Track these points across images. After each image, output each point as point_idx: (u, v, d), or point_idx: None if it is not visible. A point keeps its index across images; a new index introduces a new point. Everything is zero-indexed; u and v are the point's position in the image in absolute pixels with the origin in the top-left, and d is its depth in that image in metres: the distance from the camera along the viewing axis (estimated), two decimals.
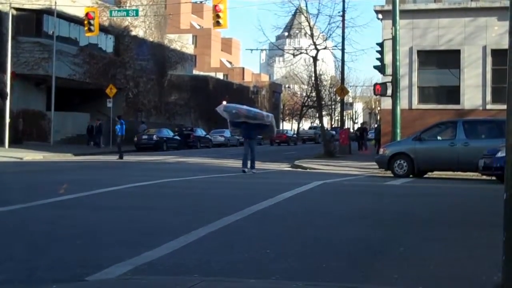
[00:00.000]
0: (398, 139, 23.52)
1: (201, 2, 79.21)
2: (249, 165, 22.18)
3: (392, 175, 21.22)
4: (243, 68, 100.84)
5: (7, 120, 37.43)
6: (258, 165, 26.34)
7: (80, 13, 40.45)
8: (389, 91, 24.14)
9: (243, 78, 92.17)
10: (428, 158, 20.97)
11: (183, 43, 68.35)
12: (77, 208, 11.16)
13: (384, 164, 21.86)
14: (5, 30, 39.76)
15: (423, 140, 21.26)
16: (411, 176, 21.01)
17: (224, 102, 29.59)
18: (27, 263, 6.49)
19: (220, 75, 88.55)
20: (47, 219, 9.69)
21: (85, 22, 31.52)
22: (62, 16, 45.46)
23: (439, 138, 21.48)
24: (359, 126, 48.61)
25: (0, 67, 38.96)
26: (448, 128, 21.81)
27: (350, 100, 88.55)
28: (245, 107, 24.11)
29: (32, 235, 8.22)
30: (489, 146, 18.66)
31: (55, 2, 42.55)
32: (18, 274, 6.07)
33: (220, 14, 28.58)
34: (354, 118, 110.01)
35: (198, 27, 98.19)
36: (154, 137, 44.83)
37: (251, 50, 78.56)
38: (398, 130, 23.56)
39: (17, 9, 42.63)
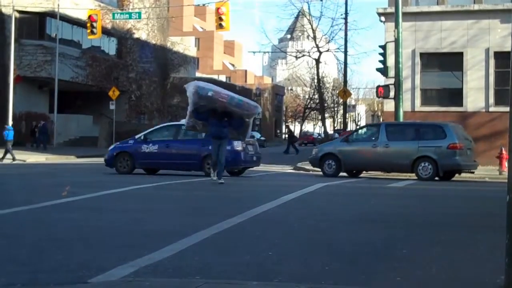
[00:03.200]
0: None
1: (203, 4, 79.49)
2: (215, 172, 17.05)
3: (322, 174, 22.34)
4: (245, 71, 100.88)
5: (10, 122, 37.47)
6: (261, 166, 26.32)
7: (83, 15, 40.53)
8: (392, 94, 24.14)
9: (245, 81, 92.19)
10: (353, 159, 22.03)
11: (186, 46, 68.41)
12: (79, 210, 11.15)
13: (316, 163, 22.96)
14: (8, 32, 39.83)
15: (350, 142, 22.65)
16: (339, 175, 21.99)
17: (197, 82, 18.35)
18: (29, 265, 6.49)
19: (222, 78, 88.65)
20: (49, 221, 9.69)
21: (88, 24, 31.57)
22: (65, 19, 45.54)
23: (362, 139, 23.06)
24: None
25: (3, 70, 38.99)
26: (373, 130, 23.09)
27: (353, 102, 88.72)
28: (226, 91, 17.83)
29: (34, 237, 8.21)
30: (408, 148, 20.95)
31: (58, 5, 42.64)
32: (21, 277, 6.06)
33: (223, 16, 28.61)
34: (356, 120, 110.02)
35: (200, 29, 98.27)
36: None
37: (254, 52, 78.66)
38: None
39: (20, 11, 42.69)
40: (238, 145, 20.39)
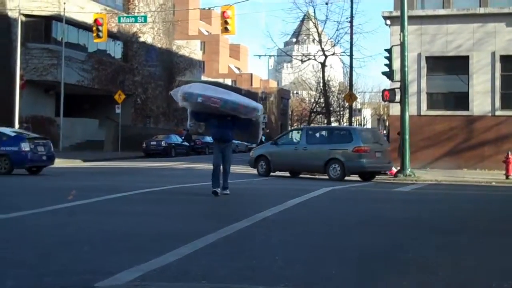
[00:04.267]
0: (407, 145, 23.48)
1: (209, 8, 79.67)
2: (221, 182, 14.61)
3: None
4: (251, 74, 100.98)
5: (16, 126, 37.57)
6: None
7: (88, 19, 40.62)
8: (398, 97, 24.10)
9: (251, 84, 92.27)
10: (279, 160, 24.09)
11: (192, 49, 68.48)
12: (86, 214, 11.17)
13: (252, 164, 25.28)
14: (14, 36, 39.94)
15: (278, 145, 24.61)
16: (271, 175, 24.31)
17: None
18: (36, 269, 6.50)
19: (228, 81, 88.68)
20: (56, 225, 9.71)
21: (94, 28, 31.62)
22: (71, 22, 45.66)
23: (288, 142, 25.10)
24: None
25: (9, 74, 39.12)
26: (297, 134, 25.39)
27: (359, 106, 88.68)
28: (220, 92, 15.00)
29: (41, 241, 8.23)
30: (322, 150, 22.93)
31: (64, 9, 42.76)
32: (28, 280, 6.08)
33: (228, 20, 28.64)
34: (362, 124, 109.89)
35: (206, 33, 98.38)
36: (163, 143, 44.88)
37: (259, 56, 79.14)
38: (407, 136, 23.51)
39: (26, 15, 42.83)
40: (25, 146, 22.22)
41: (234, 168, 19.65)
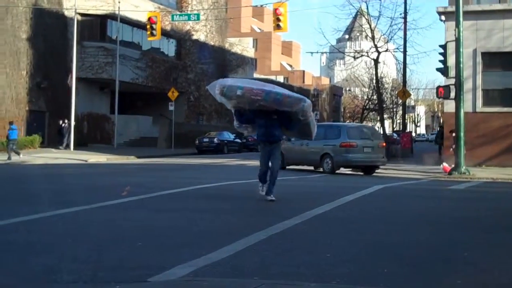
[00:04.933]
0: (462, 143, 23.10)
1: (261, 5, 79.70)
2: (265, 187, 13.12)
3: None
4: (303, 71, 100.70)
5: (73, 123, 38.30)
6: (317, 168, 26.19)
7: (142, 18, 41.12)
8: (453, 94, 23.71)
9: (303, 81, 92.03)
10: (290, 155, 25.38)
11: (244, 47, 68.66)
12: (139, 210, 11.31)
13: None
14: (70, 35, 40.70)
15: (290, 141, 24.85)
16: (286, 168, 25.17)
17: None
18: (91, 263, 6.61)
19: (280, 78, 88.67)
20: (109, 221, 9.86)
21: (148, 26, 31.97)
22: (125, 21, 46.28)
23: None
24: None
25: (66, 72, 39.88)
26: None
27: (412, 103, 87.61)
28: (260, 84, 13.36)
29: (95, 236, 8.37)
30: (318, 146, 24.21)
31: (119, 8, 43.37)
32: (82, 275, 6.18)
33: (281, 17, 28.60)
34: (416, 121, 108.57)
35: (258, 30, 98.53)
36: (215, 140, 45.13)
37: (312, 53, 78.66)
38: (462, 134, 23.12)
39: (82, 14, 43.60)
40: None
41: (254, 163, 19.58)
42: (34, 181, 18.68)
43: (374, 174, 24.78)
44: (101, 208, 11.31)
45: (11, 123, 31.78)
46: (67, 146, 37.54)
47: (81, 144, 40.10)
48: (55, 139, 39.53)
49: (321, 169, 25.15)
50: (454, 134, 24.27)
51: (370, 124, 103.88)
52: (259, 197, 12.96)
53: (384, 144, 25.99)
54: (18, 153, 30.50)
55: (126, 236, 8.36)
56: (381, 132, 37.34)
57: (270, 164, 12.90)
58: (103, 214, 10.59)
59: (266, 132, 12.84)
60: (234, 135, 47.52)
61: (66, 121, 38.05)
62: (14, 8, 37.72)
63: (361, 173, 25.24)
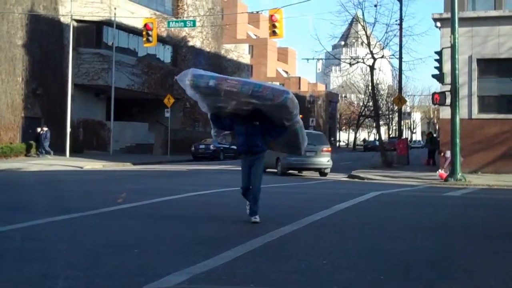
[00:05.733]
0: (458, 149, 23.12)
1: (257, 12, 79.87)
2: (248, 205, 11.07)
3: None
4: (299, 78, 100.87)
5: (68, 129, 38.24)
6: (314, 175, 26.22)
7: (138, 24, 41.13)
8: (448, 101, 23.74)
9: (299, 88, 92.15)
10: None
11: (240, 53, 68.74)
12: (134, 217, 11.29)
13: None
14: (66, 41, 40.69)
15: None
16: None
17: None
18: (86, 271, 6.59)
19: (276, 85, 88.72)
20: (105, 227, 9.84)
21: (144, 33, 31.98)
22: (121, 27, 46.30)
23: None
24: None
25: (62, 78, 39.85)
26: None
27: (408, 109, 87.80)
28: (235, 78, 10.97)
29: (91, 243, 8.34)
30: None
31: (115, 14, 43.39)
32: (78, 282, 6.16)
33: (276, 23, 28.65)
34: (412, 128, 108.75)
35: (254, 37, 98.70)
36: (211, 146, 45.12)
37: (307, 59, 78.30)
38: (458, 140, 23.14)
39: (78, 21, 43.59)
40: None
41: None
42: (29, 188, 18.64)
43: (371, 181, 24.77)
44: (97, 215, 11.28)
45: None
46: (47, 153, 36.79)
47: (77, 150, 40.02)
48: (52, 145, 39.45)
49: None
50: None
51: (370, 131, 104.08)
52: (247, 219, 10.74)
53: (329, 149, 27.92)
54: None
55: (122, 243, 8.34)
56: (377, 139, 37.35)
57: (251, 180, 10.81)
58: (98, 221, 10.57)
59: (246, 141, 10.69)
60: None
61: (44, 128, 37.37)
62: (10, 15, 37.70)
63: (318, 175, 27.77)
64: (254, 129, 10.62)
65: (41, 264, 6.85)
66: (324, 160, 27.32)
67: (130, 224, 10.27)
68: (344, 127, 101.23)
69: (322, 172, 27.76)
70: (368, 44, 36.98)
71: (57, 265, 6.83)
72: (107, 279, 6.24)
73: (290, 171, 28.08)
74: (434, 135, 45.43)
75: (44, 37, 40.47)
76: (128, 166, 33.82)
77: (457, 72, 23.43)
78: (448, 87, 24.01)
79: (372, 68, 38.13)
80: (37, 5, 40.31)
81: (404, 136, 48.43)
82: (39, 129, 37.01)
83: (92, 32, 46.69)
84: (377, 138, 55.40)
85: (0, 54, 37.05)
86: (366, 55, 39.09)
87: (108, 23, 45.32)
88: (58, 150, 38.49)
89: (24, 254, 7.46)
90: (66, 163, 32.98)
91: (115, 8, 44.12)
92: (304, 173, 28.58)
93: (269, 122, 10.55)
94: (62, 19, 42.50)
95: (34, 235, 9.01)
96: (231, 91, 10.03)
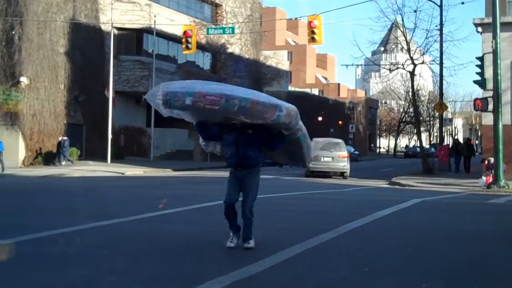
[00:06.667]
0: (500, 156, 22.74)
1: (296, 18, 79.82)
2: (241, 232, 8.96)
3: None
4: (338, 84, 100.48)
5: (109, 136, 38.67)
6: (355, 181, 26.05)
7: (178, 31, 41.43)
8: (491, 107, 23.38)
9: (338, 94, 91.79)
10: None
11: (279, 60, 68.75)
12: (175, 223, 11.36)
13: None
14: (107, 49, 41.18)
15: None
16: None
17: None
18: (126, 276, 6.65)
19: (315, 91, 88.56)
20: (146, 233, 9.91)
21: (183, 40, 32.20)
22: (161, 34, 46.69)
23: None
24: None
25: (103, 85, 40.34)
26: None
27: (449, 115, 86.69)
28: (218, 89, 8.85)
29: (132, 249, 8.41)
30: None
31: (155, 21, 43.78)
32: (118, 287, 6.22)
33: (315, 30, 28.59)
34: (453, 134, 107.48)
35: (293, 43, 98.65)
36: None
37: (347, 65, 77.98)
38: (501, 147, 22.76)
39: (118, 28, 44.09)
40: None
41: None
42: (72, 193, 18.89)
43: (412, 188, 24.53)
44: (138, 220, 11.38)
45: None
46: (69, 161, 36.51)
47: (118, 157, 40.43)
48: (94, 152, 39.95)
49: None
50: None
51: (410, 137, 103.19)
52: (231, 247, 8.66)
53: (345, 155, 30.77)
54: (3, 167, 31.67)
55: (163, 249, 8.39)
56: (418, 145, 37.05)
57: (242, 199, 8.88)
58: (140, 227, 10.65)
59: (236, 153, 8.81)
60: None
61: (64, 137, 37.01)
62: (52, 23, 38.32)
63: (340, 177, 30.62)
64: (246, 138, 8.74)
65: (83, 269, 6.94)
66: (341, 164, 30.40)
67: (171, 230, 10.33)
68: (384, 134, 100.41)
69: (341, 175, 30.76)
70: (408, 50, 36.67)
71: (99, 270, 6.90)
72: (146, 285, 6.28)
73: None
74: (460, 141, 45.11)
75: (86, 44, 41.02)
76: (168, 172, 34.03)
77: (499, 77, 23.07)
78: (490, 93, 23.66)
79: (412, 74, 37.79)
80: (78, 14, 40.90)
81: (445, 143, 47.85)
82: (60, 138, 36.90)
83: (133, 39, 47.18)
84: (417, 145, 54.95)
85: (43, 61, 37.67)
86: (406, 61, 38.78)
87: (148, 30, 45.75)
88: (100, 156, 38.95)
89: (67, 259, 7.56)
90: (107, 169, 33.35)
91: (155, 16, 44.52)
92: (341, 179, 28.41)
93: (265, 130, 8.67)
94: (103, 27, 43.05)
95: (77, 240, 9.13)
96: (213, 109, 8.31)
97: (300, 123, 8.76)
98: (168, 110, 8.84)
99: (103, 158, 38.38)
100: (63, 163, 36.00)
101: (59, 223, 10.45)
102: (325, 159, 29.95)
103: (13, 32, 36.36)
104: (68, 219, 11.20)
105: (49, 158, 36.06)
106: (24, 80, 36.36)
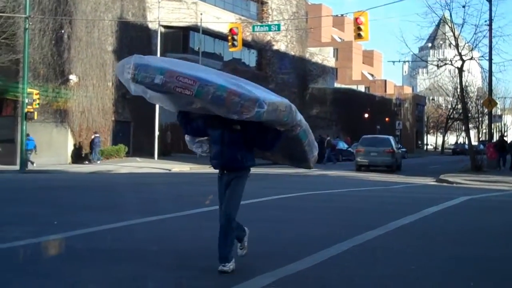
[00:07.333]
0: None
1: (342, 15, 79.27)
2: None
3: None
4: (385, 81, 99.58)
5: (156, 133, 39.05)
6: (402, 178, 25.80)
7: (224, 29, 41.61)
8: None
9: (385, 91, 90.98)
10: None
11: (324, 56, 68.47)
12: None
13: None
14: (154, 47, 41.57)
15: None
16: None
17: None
18: (175, 271, 6.69)
19: (361, 88, 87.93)
20: (194, 229, 9.97)
21: (229, 37, 32.32)
22: (207, 32, 46.93)
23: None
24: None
25: None
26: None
27: (499, 112, 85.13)
28: (197, 70, 7.35)
29: (179, 244, 8.47)
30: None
31: (201, 19, 44.02)
32: (166, 283, 6.27)
33: (361, 26, 28.37)
34: (503, 131, 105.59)
35: (339, 40, 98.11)
36: None
37: (393, 62, 77.12)
38: None
39: (165, 26, 44.47)
40: None
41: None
42: (120, 189, 19.13)
43: (460, 185, 24.18)
44: (185, 216, 11.46)
45: (27, 134, 32.71)
46: (98, 159, 36.45)
47: (165, 153, 40.80)
48: (141, 148, 40.37)
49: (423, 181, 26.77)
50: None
51: (459, 134, 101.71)
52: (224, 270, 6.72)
53: (391, 150, 33.89)
54: (32, 162, 32.37)
55: (210, 245, 8.41)
56: (467, 142, 36.61)
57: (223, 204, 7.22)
58: (187, 223, 10.73)
59: (221, 152, 7.17)
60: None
61: (96, 134, 36.88)
62: (101, 22, 38.86)
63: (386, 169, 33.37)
64: (233, 135, 7.05)
65: (130, 265, 7.01)
66: (387, 159, 33.79)
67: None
68: (431, 131, 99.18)
69: (389, 168, 33.58)
70: (456, 46, 36.11)
71: (145, 266, 6.96)
72: (194, 280, 6.32)
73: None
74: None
75: (133, 43, 41.47)
76: (213, 169, 34.17)
77: None
78: None
79: (460, 70, 37.21)
80: (126, 12, 41.39)
81: (494, 140, 47.02)
82: (92, 136, 37.00)
83: (179, 37, 47.53)
84: (466, 142, 54.09)
85: (91, 60, 38.24)
86: (454, 56, 38.18)
87: (194, 28, 46.02)
88: (147, 153, 39.37)
89: (114, 255, 7.65)
90: (154, 165, 33.69)
91: (201, 14, 44.77)
92: (389, 176, 28.16)
93: (256, 126, 6.92)
94: (150, 25, 43.47)
95: (124, 235, 9.24)
96: (183, 94, 6.70)
97: (299, 117, 7.15)
98: (133, 85, 7.17)
99: (150, 155, 38.79)
100: (98, 161, 36.31)
101: (107, 219, 10.59)
102: (372, 154, 33.15)
103: (63, 31, 37.03)
104: (116, 215, 11.35)
105: (79, 155, 36.54)
106: (73, 78, 37.02)
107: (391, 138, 37.36)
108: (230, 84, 6.78)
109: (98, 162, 35.94)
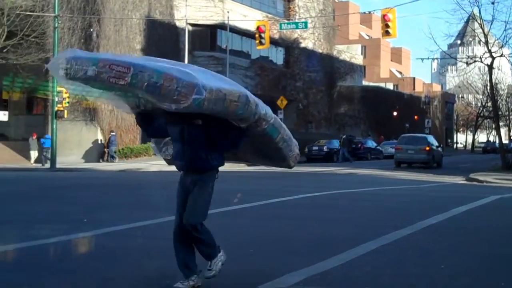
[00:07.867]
0: None
1: (369, 12, 78.88)
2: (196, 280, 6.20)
3: None
4: (413, 78, 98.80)
5: None
6: (431, 177, 25.65)
7: (251, 27, 41.63)
8: None
9: (414, 88, 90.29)
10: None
11: (352, 54, 68.19)
12: (249, 217, 11.43)
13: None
14: (182, 45, 41.74)
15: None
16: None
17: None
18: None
19: (390, 86, 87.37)
20: (221, 227, 9.96)
21: (256, 35, 32.34)
22: (235, 30, 46.99)
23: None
24: None
25: None
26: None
27: None
28: (133, 59, 6.36)
29: None
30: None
31: (228, 17, 44.10)
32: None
33: (389, 23, 28.21)
34: None
35: (367, 37, 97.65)
36: (325, 148, 45.03)
37: (422, 59, 76.16)
38: None
39: (192, 24, 44.62)
40: None
41: None
42: (149, 187, 19.26)
43: (490, 184, 23.94)
44: (213, 214, 11.42)
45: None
46: (113, 158, 36.08)
47: None
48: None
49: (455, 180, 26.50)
50: None
51: (489, 132, 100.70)
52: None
53: (427, 148, 35.20)
54: (48, 159, 32.60)
55: (237, 243, 8.45)
56: (497, 141, 36.50)
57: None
58: (215, 221, 10.71)
59: (182, 151, 6.21)
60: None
61: (112, 133, 36.59)
62: (129, 20, 39.12)
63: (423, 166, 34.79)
64: (194, 131, 6.11)
65: (160, 262, 7.07)
66: (423, 156, 35.12)
67: (245, 224, 10.40)
68: (461, 129, 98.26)
69: (425, 165, 34.91)
70: (486, 43, 35.73)
71: (175, 263, 7.00)
72: (222, 279, 6.34)
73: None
74: None
75: (161, 41, 41.69)
76: (242, 167, 34.24)
77: None
78: None
79: (490, 67, 36.83)
80: (153, 11, 41.62)
81: None
82: (109, 134, 36.74)
83: (207, 35, 47.66)
84: (496, 140, 53.61)
85: None
86: (484, 54, 37.80)
87: (222, 26, 46.12)
88: None
89: (144, 252, 7.72)
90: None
91: (228, 12, 44.84)
92: (419, 175, 27.99)
93: (218, 121, 6.10)
94: (177, 23, 43.66)
95: (154, 233, 9.31)
96: (118, 84, 5.76)
97: (263, 111, 6.40)
98: (66, 81, 6.18)
99: (111, 157, 38.61)
100: (116, 160, 36.17)
101: (137, 217, 10.68)
102: (409, 151, 35.11)
103: (91, 30, 37.34)
104: (145, 212, 11.43)
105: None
106: None
107: (428, 136, 39.12)
108: (168, 69, 5.76)
109: (115, 161, 35.95)
